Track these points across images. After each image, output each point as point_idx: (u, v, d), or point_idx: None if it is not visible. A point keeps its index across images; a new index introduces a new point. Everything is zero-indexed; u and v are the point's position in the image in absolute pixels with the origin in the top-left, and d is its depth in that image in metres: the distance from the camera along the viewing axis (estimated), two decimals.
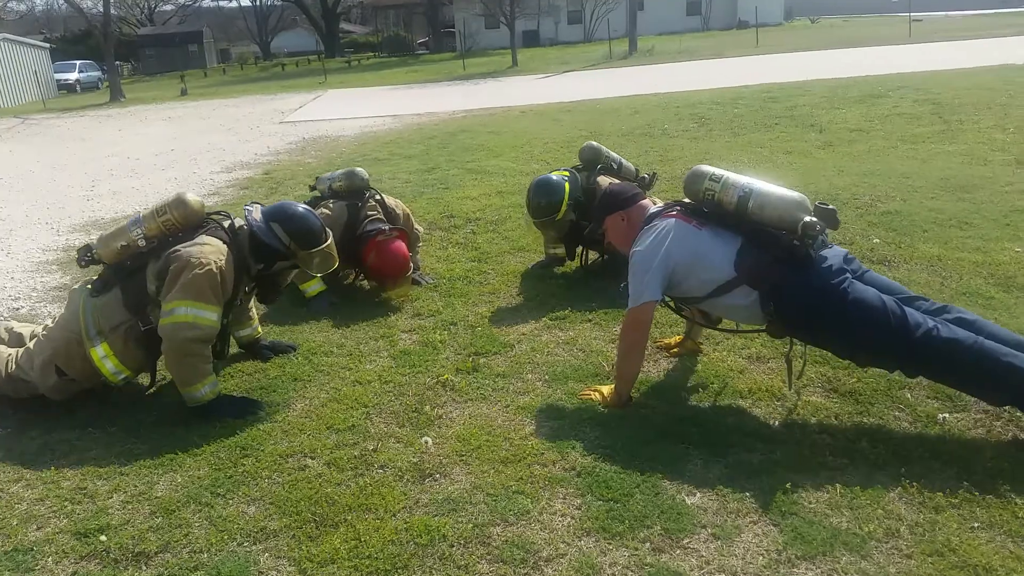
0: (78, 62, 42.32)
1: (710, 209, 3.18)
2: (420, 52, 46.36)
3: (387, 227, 4.76)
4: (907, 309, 2.86)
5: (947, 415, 2.99)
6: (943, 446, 2.80)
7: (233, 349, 4.04)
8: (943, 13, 39.95)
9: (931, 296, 4.02)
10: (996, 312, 3.83)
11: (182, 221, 3.48)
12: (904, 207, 5.68)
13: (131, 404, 3.57)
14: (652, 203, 3.47)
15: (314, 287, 4.76)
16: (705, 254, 3.09)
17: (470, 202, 7.05)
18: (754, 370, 3.51)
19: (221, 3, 63.03)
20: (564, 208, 4.66)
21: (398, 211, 4.99)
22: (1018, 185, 6.12)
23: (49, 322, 3.78)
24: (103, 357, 3.39)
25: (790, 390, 3.22)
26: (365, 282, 5.08)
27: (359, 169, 5.03)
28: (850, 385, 3.26)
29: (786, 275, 2.98)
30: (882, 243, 4.99)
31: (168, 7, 64.83)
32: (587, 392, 3.35)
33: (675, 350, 3.73)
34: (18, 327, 3.87)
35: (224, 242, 3.44)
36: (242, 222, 3.59)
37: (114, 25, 47.76)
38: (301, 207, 3.70)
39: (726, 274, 3.06)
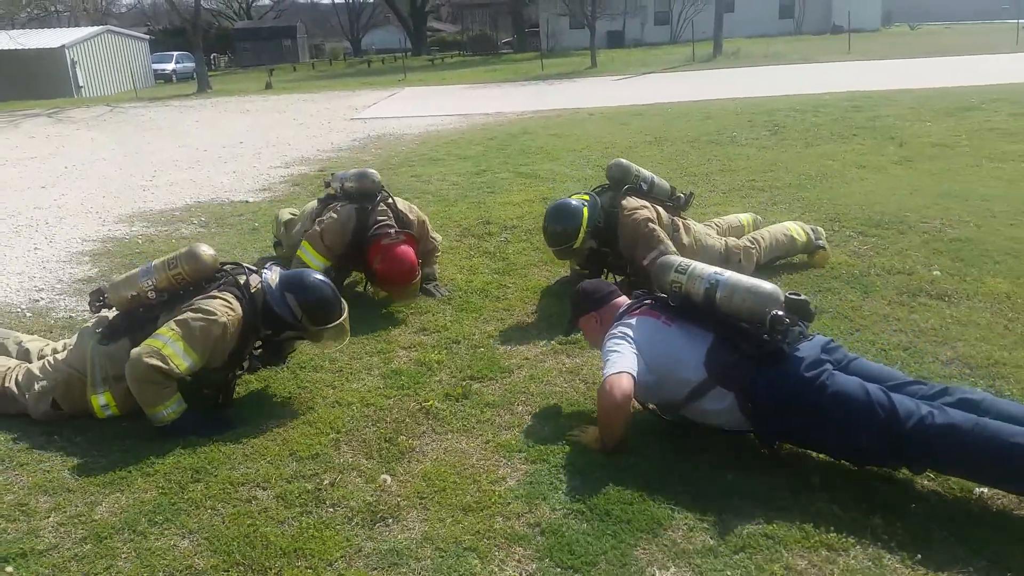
0: (175, 53, 44.01)
1: (678, 303, 2.94)
2: (504, 51, 46.28)
3: (394, 231, 4.51)
4: (896, 397, 2.51)
5: (985, 489, 2.53)
6: (974, 530, 2.35)
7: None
8: None
9: (992, 341, 3.54)
10: None
11: (193, 275, 3.37)
12: (977, 234, 5.08)
13: None
14: (624, 300, 3.19)
15: None
16: (674, 354, 2.83)
17: (511, 208, 6.75)
18: None
19: None
20: (582, 236, 4.32)
21: (411, 216, 4.73)
22: None
23: (60, 347, 3.72)
24: (104, 406, 3.30)
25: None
26: (372, 290, 4.84)
27: (371, 171, 4.78)
28: None
29: (757, 373, 2.68)
30: (944, 275, 4.45)
31: (265, 2, 66.95)
32: (577, 432, 3.02)
33: None
34: (27, 341, 3.82)
35: (237, 299, 3.30)
36: (257, 281, 3.42)
37: (211, 19, 49.55)
38: (319, 278, 3.46)
39: (697, 375, 2.78)
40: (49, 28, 41.83)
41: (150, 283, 3.37)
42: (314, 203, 5.07)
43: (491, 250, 5.62)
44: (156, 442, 3.12)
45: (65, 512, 2.68)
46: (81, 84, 34.92)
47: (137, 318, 3.40)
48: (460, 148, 10.88)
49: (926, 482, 2.61)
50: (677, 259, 3.04)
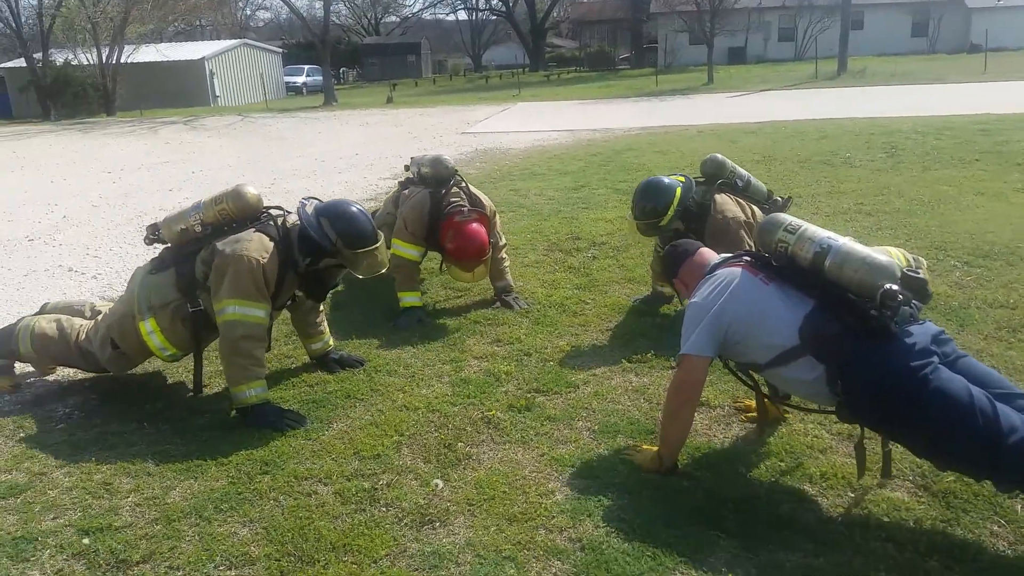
0: (307, 67, 46.31)
1: (781, 263, 2.74)
2: (621, 67, 46.18)
3: (467, 208, 4.64)
4: (1000, 407, 2.29)
5: None
6: None
7: (304, 359, 4.07)
8: None
9: None
10: None
11: (237, 212, 3.54)
12: None
13: (189, 402, 3.66)
14: (710, 255, 3.05)
15: (409, 299, 4.70)
16: (767, 313, 2.65)
17: (603, 224, 6.76)
18: (839, 450, 2.99)
19: (440, 16, 66.21)
20: (671, 214, 4.23)
21: (484, 201, 4.84)
22: None
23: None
24: (150, 332, 3.50)
25: (859, 479, 2.69)
26: (447, 268, 4.91)
27: (445, 156, 4.94)
28: (946, 484, 2.68)
29: (857, 350, 2.49)
30: None
31: (393, 19, 69.45)
32: (632, 451, 3.00)
33: (752, 415, 3.26)
34: (100, 305, 4.11)
35: (271, 238, 3.44)
36: (295, 218, 3.57)
37: (341, 34, 51.76)
38: (355, 207, 3.59)
39: (788, 340, 2.60)
40: (192, 41, 44.88)
41: (198, 217, 3.56)
42: (395, 189, 5.28)
43: (576, 265, 5.65)
44: (234, 433, 3.32)
45: (143, 494, 2.89)
46: (218, 94, 37.34)
47: (183, 252, 3.58)
48: (562, 163, 10.96)
49: (995, 527, 2.45)
50: (788, 218, 2.81)
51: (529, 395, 3.59)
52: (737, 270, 2.79)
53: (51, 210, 9.31)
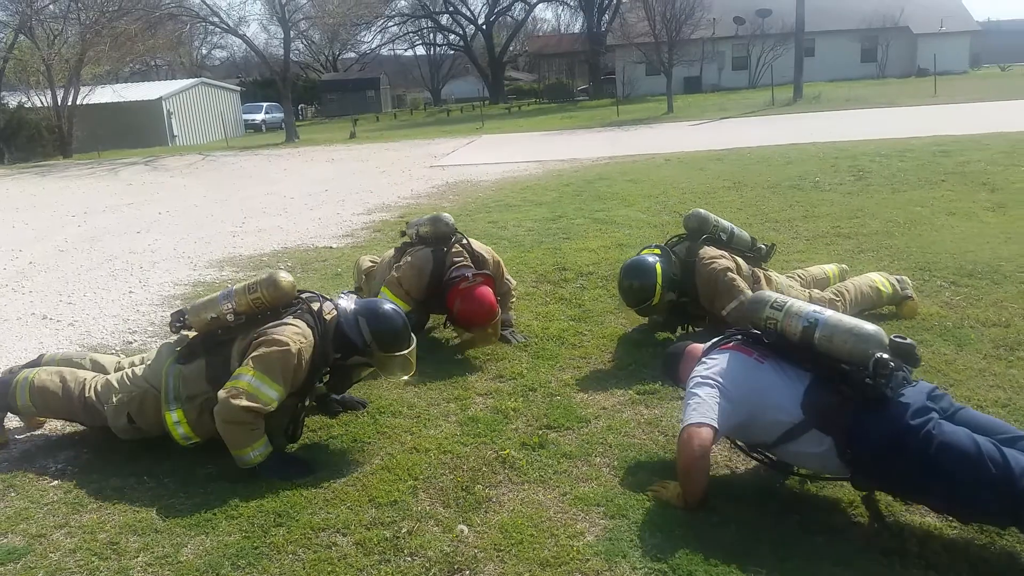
0: (265, 104, 46.15)
1: (772, 340, 2.81)
2: (580, 98, 46.85)
3: (471, 273, 4.57)
4: (1009, 452, 2.36)
5: None
6: None
7: None
8: None
9: None
10: None
11: (271, 301, 3.46)
12: None
13: (191, 453, 3.51)
14: (699, 347, 3.13)
15: None
16: (768, 392, 2.71)
17: (587, 254, 6.75)
18: None
19: (398, 52, 66.47)
20: (659, 291, 4.32)
21: (487, 256, 4.78)
22: None
23: (137, 360, 3.83)
24: (176, 423, 3.39)
25: (874, 526, 2.68)
26: (453, 332, 4.88)
27: (444, 215, 4.87)
28: None
29: (857, 418, 2.55)
30: None
31: (351, 55, 69.55)
32: (658, 487, 2.95)
33: None
34: (101, 358, 3.96)
35: (309, 326, 3.38)
36: (331, 307, 3.52)
37: (299, 71, 51.64)
38: (393, 307, 3.56)
39: (792, 416, 2.66)
40: (148, 81, 44.46)
41: (229, 306, 3.47)
42: (391, 252, 5.17)
43: (567, 296, 5.62)
44: (240, 484, 3.18)
45: (153, 552, 2.75)
46: (175, 133, 36.94)
47: (214, 340, 3.50)
48: (536, 194, 10.99)
49: None
50: (772, 295, 2.91)
51: (541, 432, 3.53)
52: (730, 352, 2.85)
53: (16, 256, 9.03)
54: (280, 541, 2.77)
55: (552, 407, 3.78)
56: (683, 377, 3.06)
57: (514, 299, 5.03)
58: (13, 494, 3.24)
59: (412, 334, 3.54)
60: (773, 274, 4.64)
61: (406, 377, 3.62)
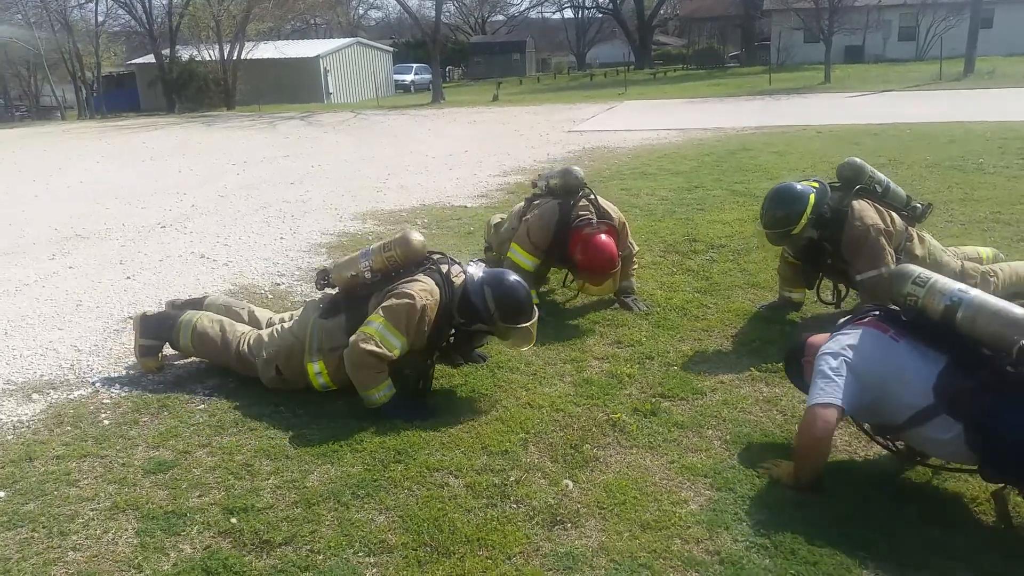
0: (415, 65, 47.34)
1: (911, 318, 2.66)
2: (730, 65, 45.05)
3: (595, 220, 4.59)
4: None
5: None
6: None
7: None
8: None
9: None
10: None
11: (403, 259, 3.66)
12: None
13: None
14: (821, 338, 2.93)
15: None
16: (900, 371, 2.59)
17: (721, 227, 6.60)
18: None
19: (546, 15, 66.26)
20: (804, 222, 4.05)
21: (612, 213, 4.76)
22: None
23: (287, 316, 4.15)
24: (317, 373, 3.65)
25: (1002, 526, 2.52)
26: (573, 286, 4.93)
27: (575, 168, 4.90)
28: None
29: (995, 407, 2.39)
30: None
31: (499, 17, 70.03)
32: (770, 464, 2.91)
33: None
34: (258, 311, 4.29)
35: (437, 285, 3.54)
36: (459, 271, 3.67)
37: (449, 33, 52.53)
38: (518, 280, 3.65)
39: (923, 399, 2.53)
40: (307, 39, 46.57)
41: (367, 264, 3.69)
42: (521, 204, 5.26)
43: (694, 268, 5.54)
44: (367, 421, 3.40)
45: (282, 476, 3.01)
46: (331, 91, 38.60)
47: (354, 297, 3.73)
48: (673, 163, 10.78)
49: None
50: (917, 269, 2.75)
51: (654, 399, 3.54)
52: (865, 328, 2.73)
53: (180, 199, 9.83)
54: (398, 476, 2.95)
55: (668, 376, 3.78)
56: (808, 357, 2.95)
57: (635, 265, 4.99)
58: (166, 413, 3.60)
59: (536, 308, 3.62)
60: (928, 236, 4.38)
61: (526, 348, 3.73)
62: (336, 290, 3.87)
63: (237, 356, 3.90)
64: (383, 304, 3.49)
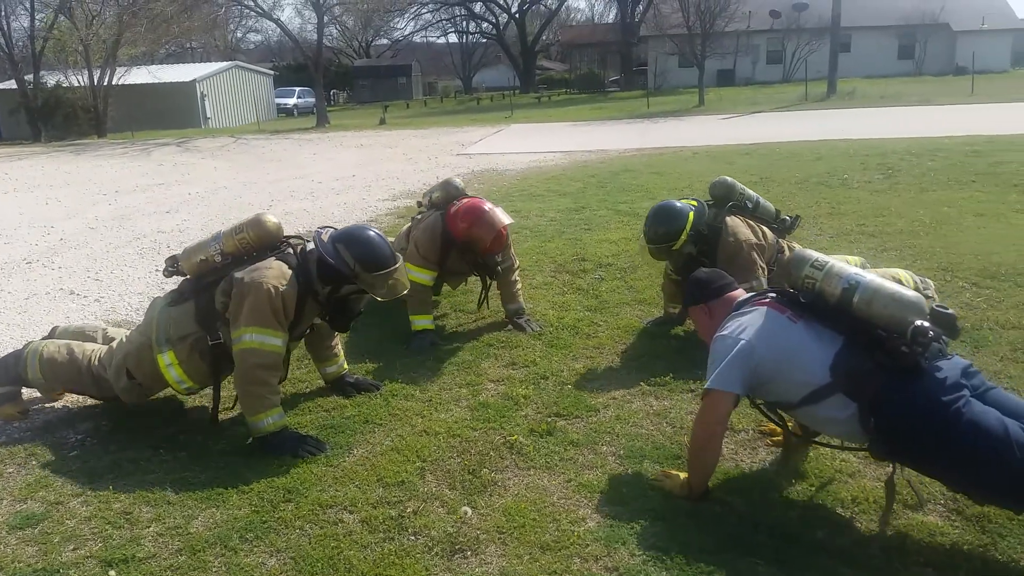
0: (297, 89, 46.47)
1: (809, 300, 2.75)
2: (611, 89, 46.54)
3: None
4: None
5: None
6: None
7: (319, 383, 4.03)
8: None
9: None
10: None
11: (257, 241, 3.50)
12: None
13: (206, 429, 3.60)
14: (741, 294, 3.04)
15: (421, 322, 4.67)
16: (797, 352, 2.66)
17: (607, 245, 6.76)
18: (867, 474, 2.97)
19: (431, 39, 66.47)
20: (684, 238, 4.26)
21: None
22: None
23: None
24: (168, 365, 3.45)
25: (885, 514, 2.66)
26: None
27: (455, 178, 4.98)
28: (978, 508, 2.66)
29: (888, 386, 2.49)
30: None
31: (384, 41, 69.74)
32: (661, 476, 2.97)
33: (777, 438, 3.24)
34: (112, 330, 4.05)
35: (290, 266, 3.41)
36: (313, 246, 3.54)
37: (332, 56, 51.93)
38: (371, 231, 3.56)
39: (820, 378, 2.61)
40: (183, 63, 44.97)
41: (218, 247, 3.51)
42: (408, 224, 5.24)
43: (584, 287, 5.64)
44: (253, 459, 3.26)
45: (164, 523, 2.83)
46: (209, 116, 37.34)
47: (203, 282, 3.54)
48: (560, 184, 10.99)
49: None
50: (815, 254, 2.82)
51: (550, 419, 3.56)
52: (763, 308, 2.79)
53: (48, 232, 9.24)
54: (288, 516, 2.84)
55: (562, 395, 3.81)
56: (712, 309, 3.00)
57: (519, 284, 4.98)
58: (34, 462, 3.34)
59: (397, 253, 3.55)
60: (798, 246, 4.61)
61: (404, 293, 3.60)
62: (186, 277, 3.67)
63: (91, 376, 3.64)
64: (243, 310, 3.28)
